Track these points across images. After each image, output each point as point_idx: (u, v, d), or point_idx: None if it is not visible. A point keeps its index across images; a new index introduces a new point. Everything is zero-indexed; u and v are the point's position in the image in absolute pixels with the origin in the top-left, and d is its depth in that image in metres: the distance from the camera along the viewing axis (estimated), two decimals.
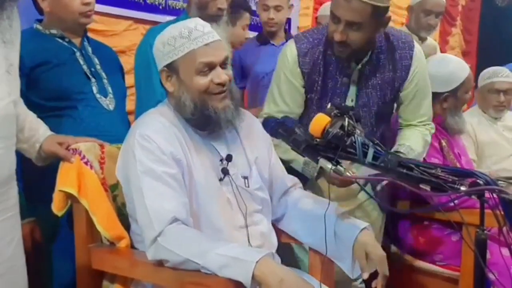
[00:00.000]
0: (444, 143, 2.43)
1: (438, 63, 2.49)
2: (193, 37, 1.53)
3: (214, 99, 1.55)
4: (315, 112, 1.95)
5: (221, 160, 1.61)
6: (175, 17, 2.46)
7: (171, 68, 1.56)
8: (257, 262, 1.29)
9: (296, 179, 1.84)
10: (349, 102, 2.01)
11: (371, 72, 2.01)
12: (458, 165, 2.43)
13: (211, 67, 1.54)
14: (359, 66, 1.98)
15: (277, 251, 1.68)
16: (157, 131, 1.52)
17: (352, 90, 2.01)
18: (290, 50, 2.03)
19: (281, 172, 1.80)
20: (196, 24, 1.56)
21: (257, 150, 1.72)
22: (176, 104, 1.59)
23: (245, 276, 1.29)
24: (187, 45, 1.53)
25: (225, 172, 1.60)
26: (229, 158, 1.62)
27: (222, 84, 1.55)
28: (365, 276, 1.53)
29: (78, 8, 1.98)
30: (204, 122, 1.57)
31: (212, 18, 2.18)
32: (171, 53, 1.54)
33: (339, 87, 2.00)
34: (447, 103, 2.43)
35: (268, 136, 1.75)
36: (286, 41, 2.76)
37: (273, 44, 2.97)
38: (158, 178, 1.46)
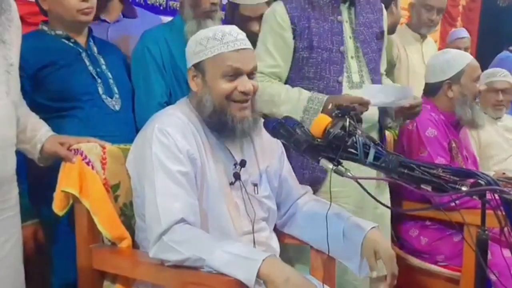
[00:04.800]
0: (454, 144, 2.43)
1: (438, 54, 2.57)
2: (226, 41, 1.53)
3: (234, 106, 1.55)
4: (322, 57, 2.04)
5: (234, 165, 1.61)
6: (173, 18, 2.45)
7: (199, 68, 1.57)
8: (263, 260, 1.30)
9: (307, 187, 1.85)
10: (348, 39, 2.09)
11: (357, 12, 2.12)
12: (465, 167, 2.43)
13: (237, 74, 1.54)
14: (347, 4, 2.10)
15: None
16: (176, 128, 1.53)
17: (347, 28, 2.10)
18: (276, 4, 2.11)
19: (293, 182, 1.80)
20: (231, 29, 1.57)
21: (268, 158, 1.72)
22: (197, 104, 1.59)
23: (250, 274, 1.29)
24: (218, 47, 1.53)
25: (236, 176, 1.60)
26: (243, 163, 1.62)
27: (245, 93, 1.54)
28: (374, 275, 1.53)
29: (75, 5, 1.95)
30: (220, 127, 1.58)
31: (206, 15, 2.18)
32: (201, 53, 1.55)
33: (336, 27, 2.07)
34: (453, 92, 2.43)
35: (281, 144, 1.75)
36: (126, 15, 2.42)
37: (105, 20, 2.40)
38: (171, 177, 1.47)
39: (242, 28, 2.31)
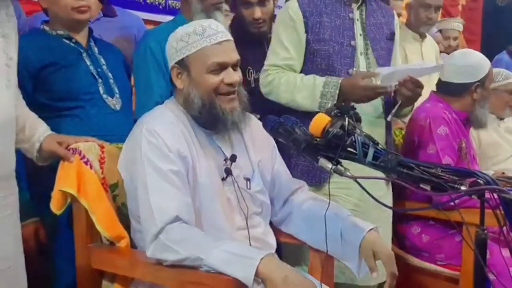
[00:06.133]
0: (463, 144, 2.43)
1: (462, 55, 2.54)
2: (207, 35, 1.54)
3: (222, 99, 1.56)
4: (334, 49, 2.08)
5: (225, 160, 1.61)
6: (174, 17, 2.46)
7: (183, 64, 1.57)
8: (261, 259, 1.30)
9: (302, 182, 1.84)
10: (358, 36, 2.13)
11: (368, 13, 2.19)
12: (471, 167, 2.42)
13: (223, 67, 1.55)
14: (359, 3, 2.16)
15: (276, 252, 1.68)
16: (164, 127, 1.53)
17: (358, 26, 2.14)
18: (290, 1, 2.15)
19: (286, 176, 1.80)
20: (210, 23, 1.58)
21: (260, 153, 1.72)
22: (184, 101, 1.60)
23: (248, 272, 1.28)
24: (200, 42, 1.54)
25: (228, 172, 1.60)
26: (233, 158, 1.62)
27: (232, 85, 1.56)
28: (374, 275, 1.53)
29: (69, 2, 1.95)
30: (211, 121, 1.59)
31: (215, 7, 2.19)
32: (184, 49, 1.56)
33: (347, 23, 2.12)
34: (477, 94, 2.44)
35: (272, 139, 1.75)
36: (106, 14, 2.49)
37: None
38: (163, 176, 1.47)
39: (243, 14, 2.39)
